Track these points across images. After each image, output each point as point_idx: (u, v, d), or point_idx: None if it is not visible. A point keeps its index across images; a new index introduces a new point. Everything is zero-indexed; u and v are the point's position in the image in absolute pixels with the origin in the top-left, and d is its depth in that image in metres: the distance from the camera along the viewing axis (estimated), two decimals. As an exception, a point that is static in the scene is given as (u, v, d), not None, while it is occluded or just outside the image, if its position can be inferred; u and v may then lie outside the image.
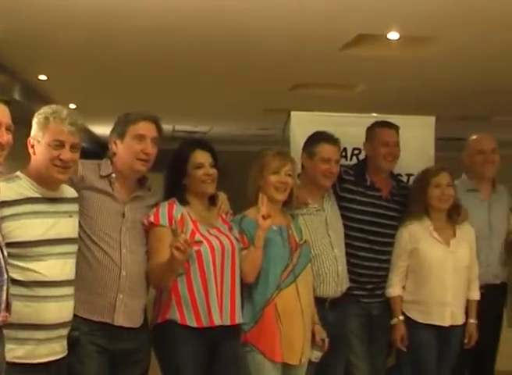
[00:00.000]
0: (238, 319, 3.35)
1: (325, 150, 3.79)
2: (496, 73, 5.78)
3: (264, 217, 3.39)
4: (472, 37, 4.51)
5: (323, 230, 3.79)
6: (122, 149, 3.21)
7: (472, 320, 3.99)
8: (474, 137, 4.42)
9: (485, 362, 4.34)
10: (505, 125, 9.61)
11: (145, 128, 3.22)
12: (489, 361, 4.36)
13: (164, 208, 3.27)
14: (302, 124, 4.34)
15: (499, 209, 4.29)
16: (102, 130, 9.28)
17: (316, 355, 3.60)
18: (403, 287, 3.98)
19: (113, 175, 3.20)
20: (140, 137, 3.19)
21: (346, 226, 3.95)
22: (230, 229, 3.44)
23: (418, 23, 4.20)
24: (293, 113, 4.43)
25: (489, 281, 4.18)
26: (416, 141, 4.41)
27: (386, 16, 4.03)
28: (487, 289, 4.10)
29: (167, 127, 9.98)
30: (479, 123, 8.94)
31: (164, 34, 4.54)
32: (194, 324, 3.22)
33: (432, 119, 4.61)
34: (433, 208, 3.94)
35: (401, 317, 3.94)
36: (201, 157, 3.34)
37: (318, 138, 3.85)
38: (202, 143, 3.45)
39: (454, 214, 3.98)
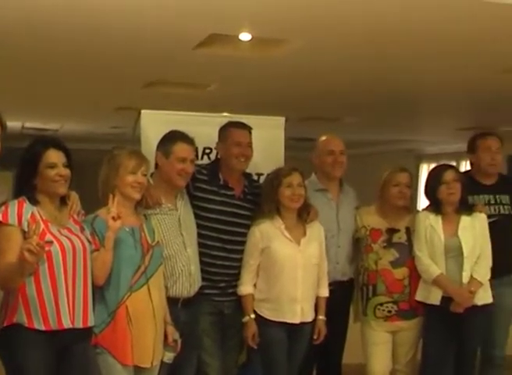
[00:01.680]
0: (90, 322, 3.29)
1: (181, 149, 3.78)
2: (344, 75, 5.96)
3: (114, 218, 3.34)
4: (322, 40, 4.62)
5: (176, 229, 3.78)
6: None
7: (321, 317, 4.09)
8: (324, 138, 4.53)
9: (332, 356, 4.46)
10: (353, 126, 9.95)
11: None
12: (336, 355, 4.48)
13: (13, 206, 3.16)
14: (153, 123, 4.31)
15: (346, 208, 4.42)
16: None
17: (168, 357, 3.59)
18: (255, 286, 4.03)
19: None
20: None
21: (199, 226, 3.95)
22: (82, 229, 3.37)
23: (270, 25, 4.25)
24: (143, 112, 4.38)
25: (337, 278, 4.30)
26: (266, 141, 4.47)
27: (238, 16, 4.05)
28: (335, 286, 4.23)
29: (16, 124, 9.64)
30: (329, 124, 9.20)
31: (8, 28, 4.35)
32: (42, 327, 3.13)
33: (281, 120, 4.70)
34: (284, 207, 4.01)
35: (252, 315, 3.99)
36: (55, 156, 3.25)
37: (173, 137, 3.84)
38: (56, 142, 3.34)
39: (304, 213, 4.07)
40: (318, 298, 4.10)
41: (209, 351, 3.97)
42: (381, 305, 4.26)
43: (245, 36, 4.51)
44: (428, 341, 4.27)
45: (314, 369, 4.51)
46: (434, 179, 4.26)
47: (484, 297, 4.19)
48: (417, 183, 11.99)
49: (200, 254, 3.91)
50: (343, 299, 4.38)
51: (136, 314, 3.38)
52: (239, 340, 4.11)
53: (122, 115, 7.99)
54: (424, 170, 13.33)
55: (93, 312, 3.31)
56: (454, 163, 11.15)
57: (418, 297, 4.22)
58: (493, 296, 4.23)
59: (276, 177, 4.01)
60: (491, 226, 4.25)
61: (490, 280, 4.20)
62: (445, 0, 3.77)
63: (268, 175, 4.13)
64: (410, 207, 4.41)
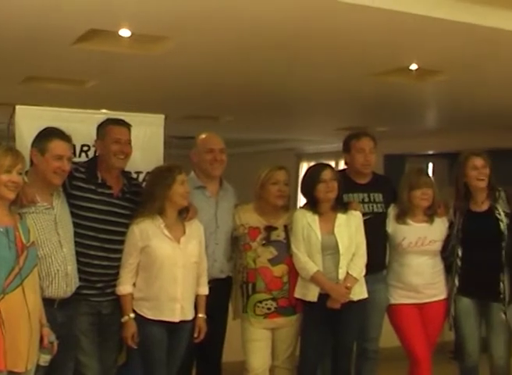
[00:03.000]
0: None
1: (58, 147, 3.69)
2: (221, 74, 6.00)
3: None
4: (199, 39, 4.63)
5: (52, 228, 3.68)
6: None
7: (201, 315, 4.10)
8: (203, 136, 4.53)
9: (212, 354, 4.46)
10: (232, 125, 10.04)
11: None
12: (216, 353, 4.49)
13: None
14: (28, 119, 4.19)
15: (225, 206, 4.43)
16: None
17: (45, 359, 3.49)
18: (134, 285, 3.99)
19: None
20: None
21: (76, 225, 3.87)
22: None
23: (149, 22, 4.22)
24: (18, 107, 4.25)
25: (215, 276, 4.31)
26: (145, 139, 4.45)
27: (117, 12, 4.01)
28: (213, 283, 4.23)
29: None
30: (209, 123, 9.24)
31: None
32: None
33: (161, 118, 4.67)
34: (171, 205, 3.99)
35: (132, 315, 3.95)
36: None
37: (49, 134, 3.74)
38: None
39: (185, 211, 4.06)
40: (197, 297, 4.10)
41: (87, 352, 3.90)
42: (260, 302, 4.31)
43: (125, 32, 4.47)
44: (306, 336, 4.35)
45: (194, 367, 4.50)
46: (311, 177, 4.34)
47: (359, 292, 4.30)
48: (297, 182, 12.23)
49: (78, 254, 3.83)
50: (221, 297, 4.40)
51: (9, 317, 3.27)
52: (118, 340, 4.05)
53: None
54: (304, 169, 13.59)
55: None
56: (333, 162, 11.46)
57: (297, 294, 4.29)
58: (368, 292, 4.35)
59: (170, 175, 3.97)
60: (365, 223, 4.38)
61: (365, 276, 4.33)
62: (316, 5, 3.87)
63: (156, 172, 4.09)
64: (289, 205, 4.48)
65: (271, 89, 6.85)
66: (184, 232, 4.04)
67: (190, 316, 4.04)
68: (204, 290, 4.14)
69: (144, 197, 4.05)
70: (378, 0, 3.86)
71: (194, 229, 4.10)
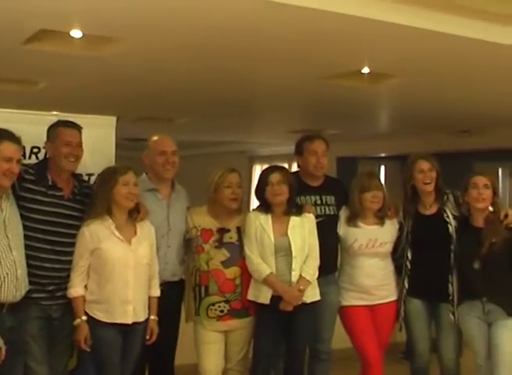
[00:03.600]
0: None
1: (7, 149, 3.62)
2: (175, 76, 5.98)
3: None
4: (152, 40, 4.62)
5: (1, 232, 3.62)
6: None
7: (153, 317, 4.08)
8: (155, 138, 4.51)
9: (164, 357, 4.43)
10: (186, 127, 10.00)
11: None
12: (168, 356, 4.46)
13: None
14: (-24, 120, 4.12)
15: (177, 209, 4.41)
16: None
17: (-8, 364, 3.44)
18: (86, 287, 3.95)
19: None
20: None
21: (26, 227, 3.81)
22: None
23: (100, 22, 4.19)
24: (-36, 108, 4.19)
25: (168, 279, 4.30)
26: (97, 141, 4.39)
27: (68, 13, 3.96)
28: (166, 286, 4.22)
29: None
30: (162, 125, 9.20)
31: None
32: None
33: (113, 119, 4.64)
34: (117, 206, 3.97)
35: (84, 317, 3.91)
36: None
37: (-3, 136, 3.68)
38: None
39: (134, 212, 4.04)
40: (149, 298, 4.08)
41: (36, 357, 3.84)
42: (213, 304, 4.30)
43: (76, 33, 4.42)
44: (259, 339, 4.35)
45: (147, 371, 4.47)
46: (261, 180, 4.36)
47: (312, 295, 4.33)
48: (250, 185, 12.27)
49: (28, 257, 3.78)
50: (173, 300, 4.37)
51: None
52: (69, 344, 4.02)
53: None
54: (258, 171, 13.63)
55: None
56: (286, 165, 11.49)
57: (250, 296, 4.30)
58: (320, 294, 4.38)
59: (112, 176, 3.96)
60: (318, 226, 4.40)
61: (317, 279, 4.35)
62: (264, 7, 3.88)
63: (102, 173, 4.06)
64: (242, 207, 4.48)
65: (225, 91, 6.85)
66: (135, 233, 4.02)
67: (142, 318, 4.02)
68: (156, 292, 4.12)
69: (92, 198, 4.02)
70: (325, 2, 3.87)
71: (145, 230, 4.08)
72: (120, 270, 3.92)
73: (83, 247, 3.93)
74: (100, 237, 3.92)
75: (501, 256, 4.28)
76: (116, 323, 3.92)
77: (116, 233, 3.95)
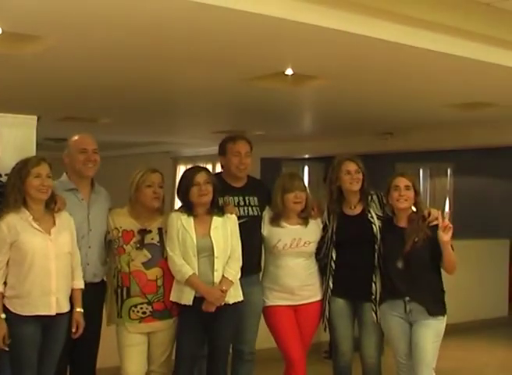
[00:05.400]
0: None
1: None
2: (97, 76, 5.93)
3: None
4: (74, 39, 4.56)
5: None
6: None
7: (78, 309, 4.03)
8: (76, 137, 4.44)
9: (85, 360, 4.37)
10: (109, 127, 9.91)
11: None
12: (90, 359, 4.39)
13: None
14: None
15: (98, 209, 4.36)
16: None
17: None
18: (6, 283, 3.85)
19: None
20: None
21: None
22: None
23: (22, 20, 4.11)
24: None
25: (89, 280, 4.22)
26: (17, 141, 4.33)
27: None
28: (87, 287, 4.14)
29: None
30: (85, 125, 9.08)
31: None
32: None
33: (33, 119, 4.56)
34: (32, 198, 3.89)
35: (3, 315, 3.82)
36: None
37: None
38: None
39: (52, 203, 3.98)
40: (73, 290, 4.03)
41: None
42: (135, 306, 4.26)
43: (-5, 31, 4.33)
44: (181, 340, 4.33)
45: (67, 373, 4.40)
46: (185, 181, 4.34)
47: (235, 295, 4.33)
48: (173, 185, 12.19)
49: None
50: (95, 301, 4.30)
51: None
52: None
53: None
54: (181, 172, 13.58)
55: None
56: (210, 165, 11.50)
57: (172, 297, 4.27)
58: (243, 294, 4.38)
59: (24, 168, 3.88)
60: (241, 227, 4.41)
61: (240, 279, 4.36)
62: (183, 7, 3.87)
63: (15, 166, 3.97)
64: (163, 208, 4.45)
65: (148, 92, 6.82)
66: (54, 223, 3.96)
67: (65, 309, 3.96)
68: (80, 283, 4.07)
69: (5, 190, 3.94)
70: (241, 3, 3.87)
71: (64, 220, 4.03)
72: (41, 261, 3.85)
73: (2, 241, 3.84)
74: (18, 229, 3.84)
75: (423, 254, 4.37)
76: (39, 316, 3.84)
77: (34, 224, 3.88)
